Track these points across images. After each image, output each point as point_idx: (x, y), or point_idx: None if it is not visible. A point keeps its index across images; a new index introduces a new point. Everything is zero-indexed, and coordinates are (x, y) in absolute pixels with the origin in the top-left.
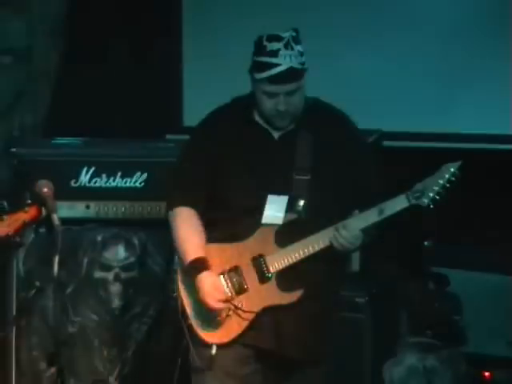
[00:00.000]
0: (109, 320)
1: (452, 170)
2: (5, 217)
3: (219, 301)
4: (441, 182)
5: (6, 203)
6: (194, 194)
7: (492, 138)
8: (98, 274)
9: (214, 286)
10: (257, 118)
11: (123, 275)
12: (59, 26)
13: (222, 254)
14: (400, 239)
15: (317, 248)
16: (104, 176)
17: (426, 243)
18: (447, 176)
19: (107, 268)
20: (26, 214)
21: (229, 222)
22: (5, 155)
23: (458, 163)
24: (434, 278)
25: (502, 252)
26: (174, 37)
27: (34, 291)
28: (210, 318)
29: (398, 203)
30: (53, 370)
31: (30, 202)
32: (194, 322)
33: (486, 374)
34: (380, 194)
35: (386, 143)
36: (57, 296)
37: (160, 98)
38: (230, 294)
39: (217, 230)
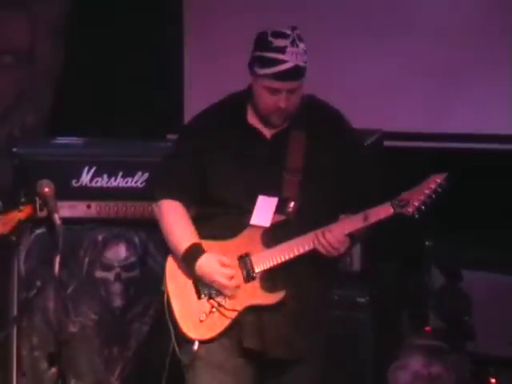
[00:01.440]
0: (110, 320)
1: (438, 181)
2: None
3: (230, 277)
4: (427, 192)
5: (0, 202)
6: (178, 189)
7: (492, 137)
8: (99, 274)
9: (220, 263)
10: (250, 116)
11: (124, 275)
12: (61, 25)
13: (209, 251)
14: (401, 239)
15: (302, 251)
16: (105, 176)
17: (427, 243)
18: (433, 187)
19: (108, 268)
20: (21, 213)
21: (218, 220)
22: (6, 155)
23: (444, 174)
24: (447, 272)
25: (505, 251)
26: (176, 36)
27: (34, 291)
28: (194, 313)
29: (383, 211)
30: (54, 370)
31: (24, 200)
32: (178, 316)
33: (492, 380)
34: (377, 196)
35: (386, 143)
36: (58, 296)
37: (161, 98)
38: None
39: (205, 227)
